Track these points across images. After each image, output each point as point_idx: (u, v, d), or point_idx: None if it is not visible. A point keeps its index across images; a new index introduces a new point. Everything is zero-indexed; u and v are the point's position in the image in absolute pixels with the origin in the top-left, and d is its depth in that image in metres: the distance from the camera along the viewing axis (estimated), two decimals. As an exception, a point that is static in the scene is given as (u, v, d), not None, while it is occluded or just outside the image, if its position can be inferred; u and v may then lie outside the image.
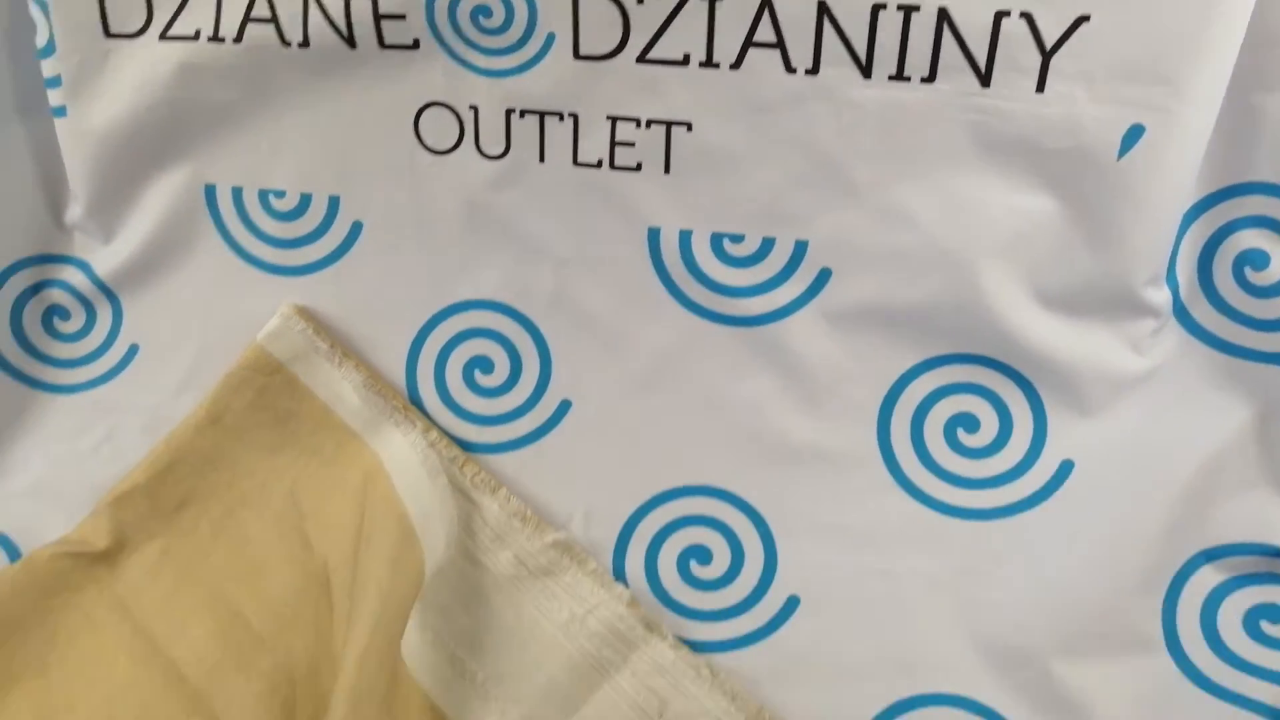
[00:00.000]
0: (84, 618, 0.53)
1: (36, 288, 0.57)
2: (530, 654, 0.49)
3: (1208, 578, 0.45)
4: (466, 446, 0.53)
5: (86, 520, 0.54)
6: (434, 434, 0.53)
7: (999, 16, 0.42)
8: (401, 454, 0.52)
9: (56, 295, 0.57)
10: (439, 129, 0.50)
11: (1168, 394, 0.47)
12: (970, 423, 0.49)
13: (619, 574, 0.50)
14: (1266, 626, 0.44)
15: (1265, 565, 0.45)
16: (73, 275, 0.57)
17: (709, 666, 0.47)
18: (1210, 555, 0.45)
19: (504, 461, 0.53)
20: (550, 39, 0.47)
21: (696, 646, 0.49)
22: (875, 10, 0.43)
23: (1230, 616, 0.45)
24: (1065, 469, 0.48)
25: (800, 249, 0.50)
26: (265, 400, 0.55)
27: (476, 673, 0.49)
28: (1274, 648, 0.44)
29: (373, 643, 0.46)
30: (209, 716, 0.50)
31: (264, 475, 0.55)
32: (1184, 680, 0.44)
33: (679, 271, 0.51)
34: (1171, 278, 0.47)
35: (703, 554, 0.50)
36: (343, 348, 0.54)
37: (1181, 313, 0.48)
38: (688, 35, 0.46)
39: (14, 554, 0.55)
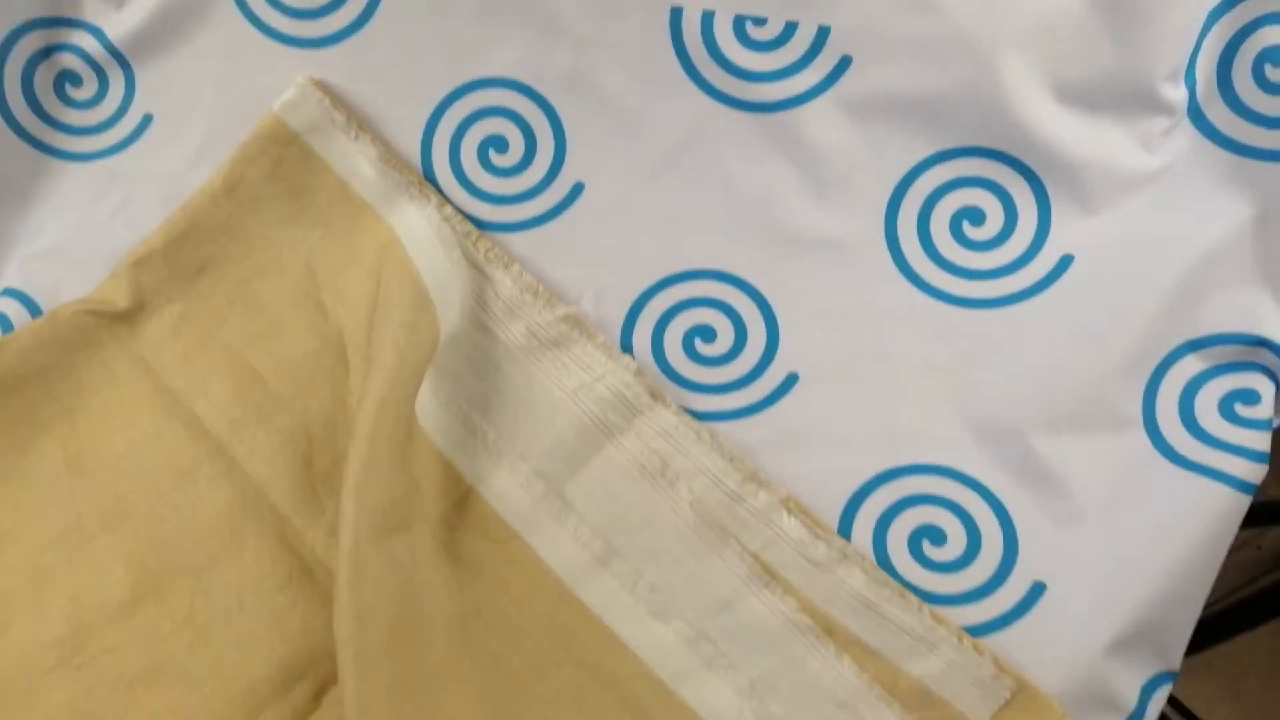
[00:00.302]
0: (106, 372, 0.55)
1: (47, 51, 0.57)
2: (540, 416, 0.51)
3: (1190, 365, 0.47)
4: (480, 225, 0.54)
5: (106, 281, 0.56)
6: (448, 209, 0.54)
7: None
8: (416, 226, 0.53)
9: (68, 60, 0.57)
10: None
11: (1172, 193, 0.48)
12: (976, 216, 0.50)
13: (626, 349, 0.52)
14: (1240, 408, 0.46)
15: (1246, 354, 0.47)
16: (84, 40, 0.56)
17: (709, 432, 0.50)
18: (1195, 345, 0.47)
19: (516, 240, 0.54)
20: None
21: (698, 416, 0.51)
22: None
23: (1207, 400, 0.47)
24: (1064, 263, 0.49)
25: (822, 34, 0.50)
26: (281, 171, 0.55)
27: (488, 432, 0.52)
28: (1246, 426, 0.46)
29: (391, 394, 0.48)
30: (230, 465, 0.52)
31: (280, 246, 0.56)
32: (1157, 455, 0.47)
33: (699, 54, 0.51)
34: (1190, 76, 0.48)
35: (707, 333, 0.52)
36: (359, 121, 0.55)
37: (1196, 113, 0.48)
38: None
39: (35, 312, 0.56)
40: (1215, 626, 0.95)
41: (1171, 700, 1.06)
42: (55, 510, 0.52)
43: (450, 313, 0.51)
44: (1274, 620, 0.91)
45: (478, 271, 0.53)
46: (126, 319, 0.55)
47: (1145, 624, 0.45)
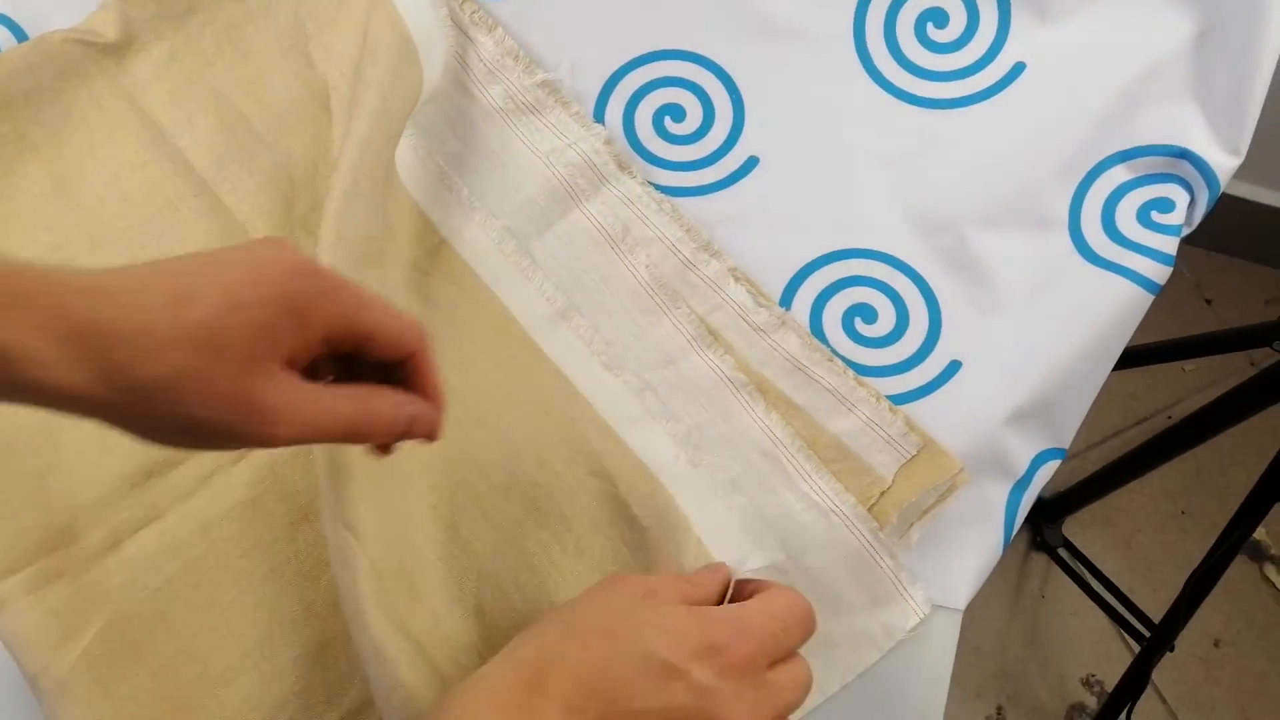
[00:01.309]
0: (94, 102, 0.56)
1: None
2: (512, 176, 0.54)
3: (1118, 175, 0.51)
4: (467, -11, 0.56)
5: (95, 13, 0.57)
6: (438, -30, 0.55)
7: None
8: None
9: None
10: None
11: (1124, 6, 0.51)
12: (940, 17, 0.53)
13: (599, 120, 0.55)
14: (1156, 215, 0.51)
15: (1168, 166, 0.51)
16: None
17: (671, 204, 0.53)
18: (1125, 156, 0.51)
19: (501, 7, 0.56)
20: None
21: (661, 190, 0.54)
22: None
23: (1128, 207, 0.51)
24: (1017, 70, 0.52)
25: None
26: (274, -82, 0.56)
27: (462, 189, 0.54)
28: (1159, 231, 0.50)
29: (373, 134, 0.50)
30: (214, 200, 0.55)
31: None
32: (1075, 254, 0.51)
33: None
34: (1153, -105, 0.50)
35: (677, 111, 0.55)
36: (354, -128, 0.55)
37: (1155, -67, 0.51)
38: None
39: (22, 38, 0.57)
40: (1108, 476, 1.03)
41: (1068, 546, 1.15)
42: (42, 230, 0.55)
43: (434, 69, 0.53)
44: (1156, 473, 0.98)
45: (461, 33, 0.55)
46: (114, 52, 0.56)
47: (1043, 402, 0.50)
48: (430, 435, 0.36)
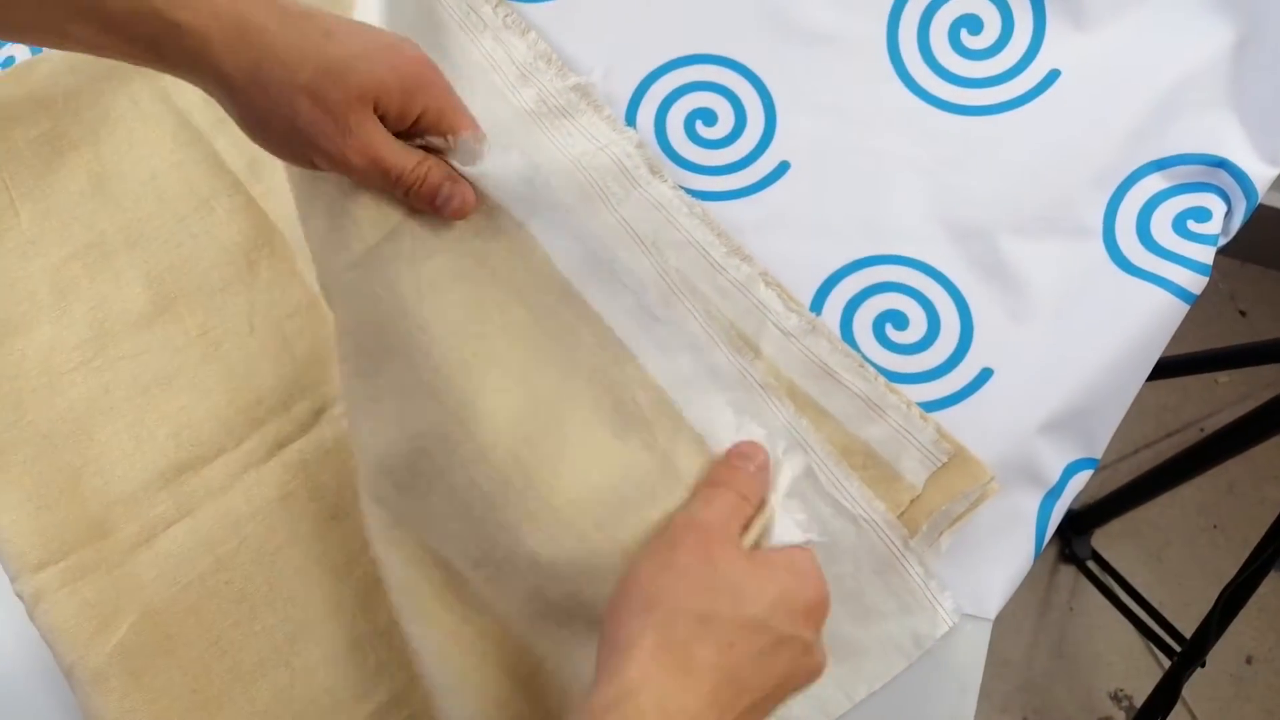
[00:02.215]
0: (131, 103, 0.57)
1: None
2: (543, 176, 0.54)
3: (1153, 183, 0.51)
4: (502, -7, 0.56)
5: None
6: (471, -27, 0.56)
7: None
8: None
9: None
10: None
11: (1162, 14, 0.51)
12: (975, 24, 0.53)
13: (630, 124, 0.55)
14: (1192, 225, 0.50)
15: (1205, 175, 0.50)
16: None
17: (701, 208, 0.53)
18: (1161, 164, 0.51)
19: (535, 11, 0.56)
20: None
21: (692, 194, 0.54)
22: None
23: (1163, 216, 0.50)
24: (1052, 77, 0.52)
25: None
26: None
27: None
28: (1195, 240, 0.50)
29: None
30: (247, 200, 0.56)
31: None
32: (1109, 263, 0.51)
33: None
34: (1192, -99, 0.50)
35: (709, 116, 0.55)
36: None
37: (1194, -62, 0.51)
38: None
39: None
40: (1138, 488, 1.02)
41: (1097, 559, 1.14)
42: (80, 226, 0.56)
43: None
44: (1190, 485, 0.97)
45: (494, 39, 0.56)
46: (154, 54, 0.57)
47: (1076, 411, 0.50)
48: (461, 212, 0.43)
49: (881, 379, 0.50)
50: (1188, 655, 0.87)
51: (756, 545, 0.41)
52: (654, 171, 0.54)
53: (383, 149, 0.40)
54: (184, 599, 0.47)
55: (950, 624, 0.46)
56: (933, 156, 0.53)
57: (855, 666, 0.46)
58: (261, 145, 0.41)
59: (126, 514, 0.49)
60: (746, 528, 0.40)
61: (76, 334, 0.54)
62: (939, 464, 0.49)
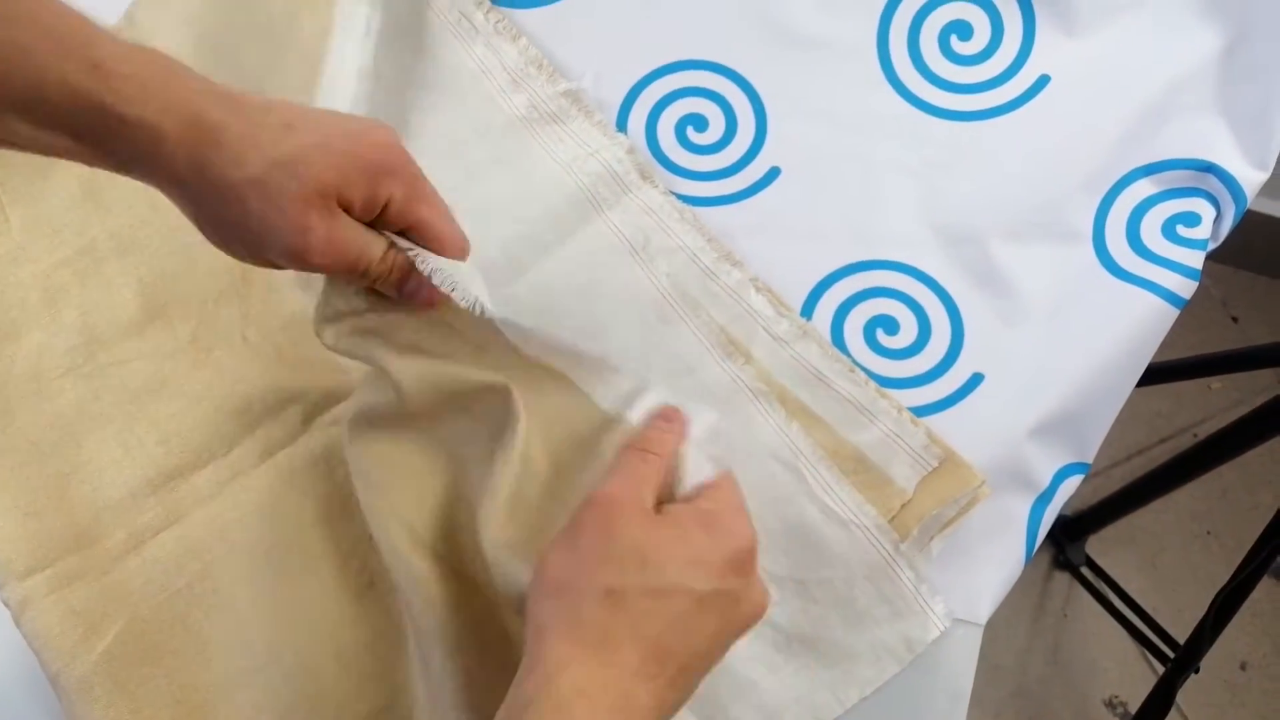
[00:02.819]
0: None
1: None
2: (534, 183, 0.54)
3: (1143, 188, 0.51)
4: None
5: (124, 28, 0.57)
6: (464, -21, 0.56)
7: None
8: None
9: None
10: None
11: (1150, 21, 0.51)
12: (964, 30, 0.53)
13: (621, 130, 0.55)
14: (1182, 229, 0.50)
15: (1194, 180, 0.50)
16: None
17: (692, 213, 0.53)
18: (1150, 169, 0.51)
19: (526, 16, 0.56)
20: None
21: (683, 200, 0.54)
22: None
23: (1153, 220, 0.51)
24: (1042, 82, 0.52)
25: None
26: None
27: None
28: (1184, 245, 0.50)
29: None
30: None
31: None
32: (1099, 267, 0.51)
33: None
34: (1179, -92, 0.50)
35: (700, 121, 0.55)
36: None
37: (1182, -55, 0.51)
38: None
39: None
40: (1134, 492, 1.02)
41: (1091, 565, 1.14)
42: (71, 233, 0.56)
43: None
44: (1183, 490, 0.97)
45: (485, 45, 0.56)
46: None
47: (1066, 416, 0.50)
48: (429, 304, 0.41)
49: (872, 384, 0.50)
50: (1182, 661, 0.87)
51: (672, 499, 0.40)
52: (645, 177, 0.54)
53: (346, 240, 0.37)
54: (171, 607, 0.47)
55: (942, 628, 0.46)
56: (923, 161, 0.53)
57: (847, 671, 0.46)
58: (222, 249, 0.38)
59: (114, 521, 0.49)
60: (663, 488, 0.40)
61: (66, 340, 0.54)
62: (930, 468, 0.49)
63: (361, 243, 0.37)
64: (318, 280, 0.42)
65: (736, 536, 0.38)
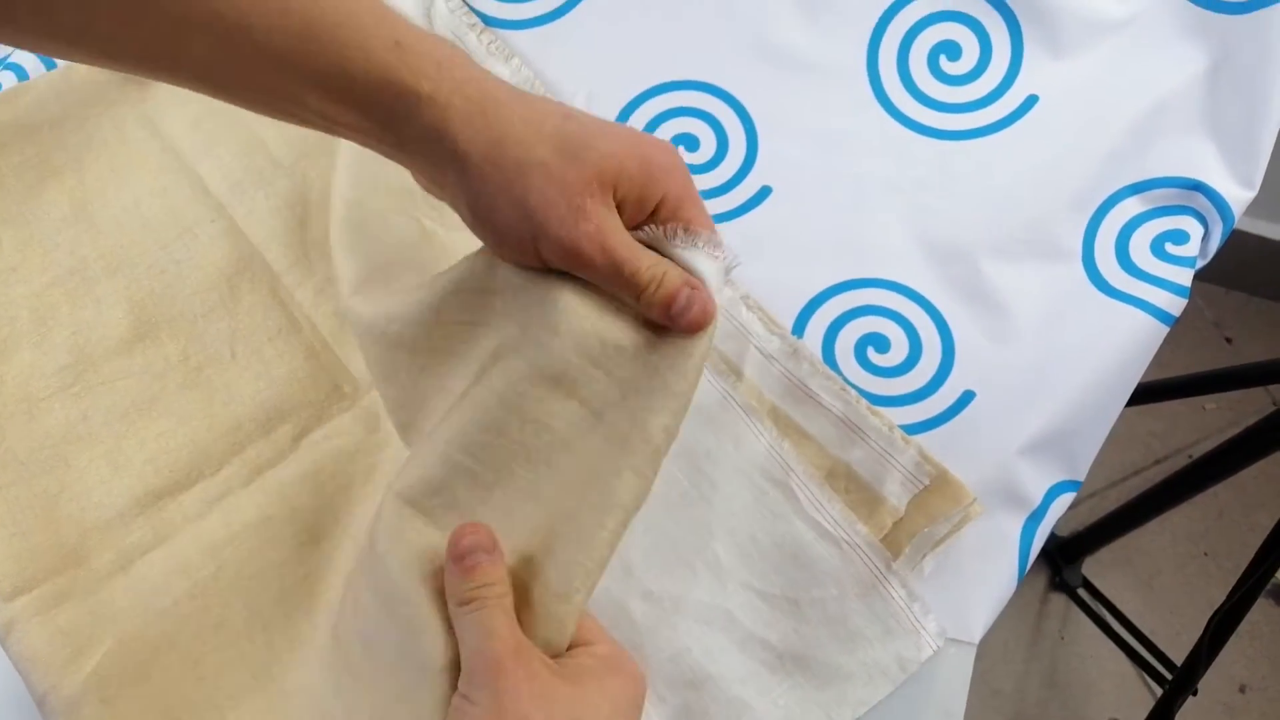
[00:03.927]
0: (116, 129, 0.57)
1: None
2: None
3: (1131, 206, 0.51)
4: (486, 20, 0.57)
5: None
6: (454, 1, 0.56)
7: None
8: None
9: None
10: None
11: (1136, 41, 0.52)
12: (953, 50, 0.53)
13: (613, 150, 0.55)
14: (1170, 247, 0.50)
15: (1182, 198, 0.51)
16: None
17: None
18: (1138, 188, 0.51)
19: (519, 38, 0.57)
20: None
21: (674, 218, 0.54)
22: None
23: (1142, 238, 0.51)
24: (1030, 102, 0.53)
25: None
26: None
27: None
28: (1173, 263, 0.50)
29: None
30: (230, 225, 0.56)
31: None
32: (1089, 285, 0.51)
33: None
34: (1164, -70, 0.51)
35: (691, 141, 0.55)
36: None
37: (1167, -34, 0.51)
38: None
39: (50, 66, 0.58)
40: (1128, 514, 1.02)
41: (1088, 586, 1.13)
42: (62, 253, 0.56)
43: None
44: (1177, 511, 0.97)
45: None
46: (138, 80, 0.57)
47: (1057, 433, 0.50)
48: (699, 324, 0.36)
49: (863, 401, 0.50)
50: (1179, 684, 0.87)
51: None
52: (636, 196, 0.54)
53: (617, 241, 0.35)
54: (160, 626, 0.46)
55: (935, 648, 0.46)
56: (913, 180, 0.53)
57: (840, 691, 0.46)
58: (486, 235, 0.37)
59: (103, 541, 0.48)
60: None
61: (56, 360, 0.53)
62: (921, 486, 0.49)
63: (632, 245, 0.35)
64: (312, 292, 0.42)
65: (638, 677, 0.35)
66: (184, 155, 0.57)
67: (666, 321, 0.36)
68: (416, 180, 0.40)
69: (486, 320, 0.39)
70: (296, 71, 0.32)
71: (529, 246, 0.35)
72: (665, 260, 0.36)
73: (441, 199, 0.38)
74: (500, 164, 0.34)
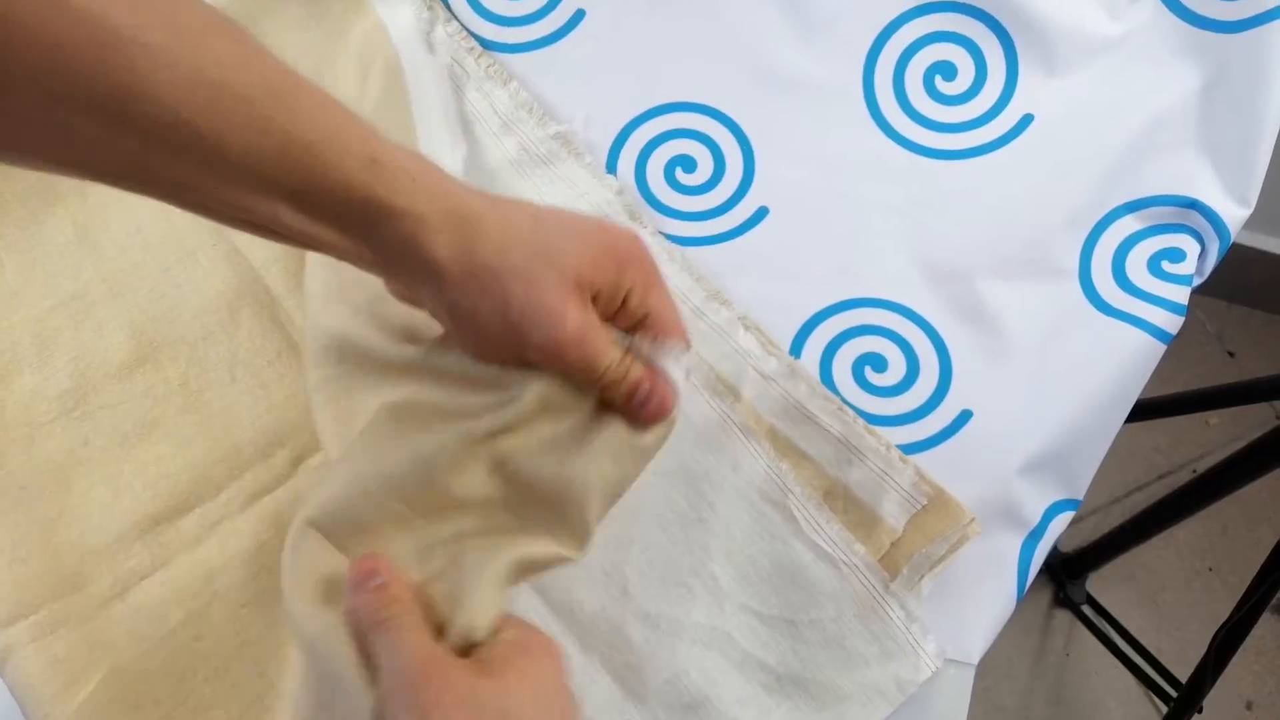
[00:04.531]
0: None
1: None
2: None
3: (1128, 225, 0.51)
4: (485, 44, 0.57)
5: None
6: (453, 25, 0.57)
7: None
8: (404, 20, 0.56)
9: None
10: None
11: (1130, 60, 0.52)
12: (949, 70, 0.54)
13: (611, 172, 0.56)
14: (1167, 265, 0.50)
15: (1178, 216, 0.51)
16: None
17: (681, 253, 0.54)
18: (1134, 206, 0.51)
19: (517, 61, 0.57)
20: None
21: (672, 240, 0.54)
22: None
23: (1138, 256, 0.51)
24: (1025, 121, 0.53)
25: (821, -116, 0.52)
26: (296, -23, 0.58)
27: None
28: (1170, 281, 0.50)
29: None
30: (231, 249, 0.56)
31: (294, 50, 0.58)
32: (1086, 303, 0.51)
33: (703, -106, 0.53)
34: (1156, -51, 0.51)
35: (688, 163, 0.55)
36: (375, -66, 0.57)
37: (1160, -18, 0.52)
38: None
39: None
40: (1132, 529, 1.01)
41: (1092, 603, 1.13)
42: (64, 278, 0.56)
43: (425, 92, 0.55)
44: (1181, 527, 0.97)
45: (477, 89, 0.56)
46: (139, 106, 0.58)
47: (1056, 452, 0.50)
48: (659, 414, 0.38)
49: (861, 421, 0.50)
50: (1185, 700, 0.86)
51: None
52: (633, 217, 0.54)
53: (596, 336, 0.36)
54: (154, 655, 0.46)
55: (934, 668, 0.46)
56: (910, 200, 0.54)
57: (838, 713, 0.46)
58: (467, 342, 0.37)
59: (100, 566, 0.48)
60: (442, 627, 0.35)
61: (57, 385, 0.54)
62: (919, 506, 0.49)
63: (605, 342, 0.36)
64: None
65: (555, 655, 0.35)
66: (184, 180, 0.57)
67: (629, 410, 0.37)
68: (392, 292, 0.40)
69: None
70: (274, 189, 0.32)
71: (511, 352, 0.36)
72: (629, 353, 0.37)
73: (421, 309, 0.39)
74: (478, 274, 0.34)
